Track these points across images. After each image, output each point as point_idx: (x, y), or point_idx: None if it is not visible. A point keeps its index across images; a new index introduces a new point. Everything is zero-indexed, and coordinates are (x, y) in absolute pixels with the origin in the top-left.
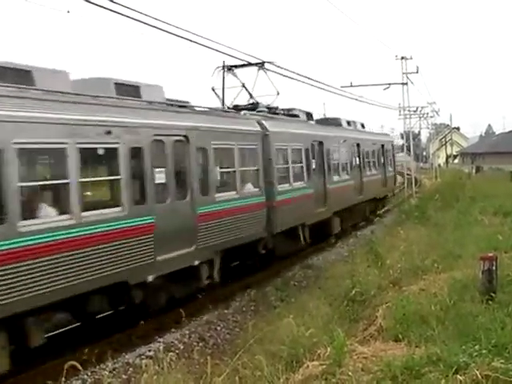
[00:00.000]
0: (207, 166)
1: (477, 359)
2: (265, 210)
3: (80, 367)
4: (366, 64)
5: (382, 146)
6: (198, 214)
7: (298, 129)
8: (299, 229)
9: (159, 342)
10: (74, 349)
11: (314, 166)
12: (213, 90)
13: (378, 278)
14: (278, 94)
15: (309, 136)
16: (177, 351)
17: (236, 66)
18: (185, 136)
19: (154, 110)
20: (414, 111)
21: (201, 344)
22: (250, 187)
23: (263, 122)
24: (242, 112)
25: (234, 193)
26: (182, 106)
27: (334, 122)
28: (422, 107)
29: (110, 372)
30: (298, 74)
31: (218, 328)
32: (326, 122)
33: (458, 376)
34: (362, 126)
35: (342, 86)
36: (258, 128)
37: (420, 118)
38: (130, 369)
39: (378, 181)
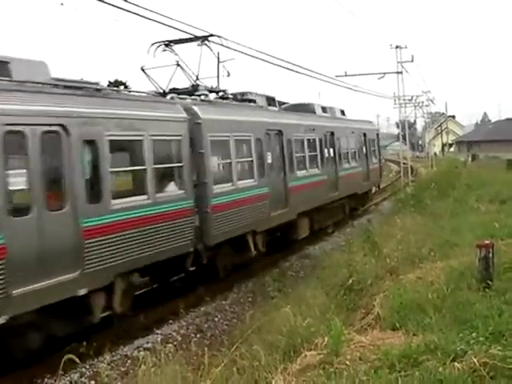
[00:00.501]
0: (98, 164)
1: (474, 347)
2: (194, 217)
3: (78, 360)
4: (361, 53)
5: (364, 134)
6: (82, 227)
7: (248, 116)
8: (248, 237)
9: (157, 333)
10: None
11: (269, 160)
12: (142, 70)
13: (374, 267)
14: (229, 75)
15: (262, 124)
16: (175, 343)
17: (175, 41)
18: (61, 125)
19: (19, 92)
20: (410, 100)
21: (199, 335)
22: (171, 189)
23: (193, 107)
24: (169, 96)
25: (144, 198)
26: (74, 88)
27: (305, 109)
28: (417, 96)
29: (108, 364)
30: (292, 64)
31: (216, 319)
32: (295, 108)
33: (456, 364)
34: (342, 112)
35: (336, 76)
36: (184, 114)
37: (415, 106)
38: (128, 361)
39: (358, 174)
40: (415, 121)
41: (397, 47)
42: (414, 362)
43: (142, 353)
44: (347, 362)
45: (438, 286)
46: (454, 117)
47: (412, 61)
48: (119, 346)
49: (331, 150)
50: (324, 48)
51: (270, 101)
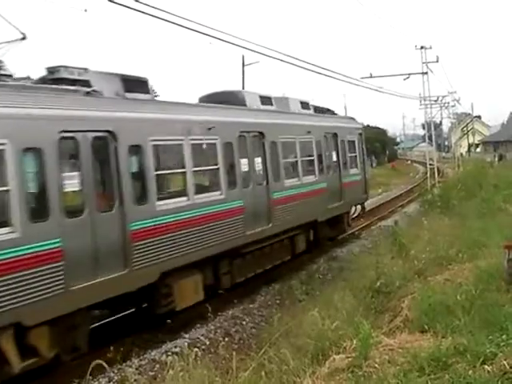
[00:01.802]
0: None
1: (504, 349)
2: None
3: (106, 366)
4: (386, 55)
5: (335, 135)
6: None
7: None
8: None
9: (185, 337)
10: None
11: (79, 187)
12: None
13: (402, 269)
14: (24, 38)
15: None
16: (203, 347)
17: None
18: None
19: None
20: (435, 101)
21: (226, 339)
22: None
23: None
24: None
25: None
26: None
27: (229, 100)
28: (443, 96)
29: (135, 369)
30: (317, 66)
31: (244, 323)
32: (217, 98)
33: (486, 366)
34: (305, 105)
35: (361, 77)
36: None
37: (441, 107)
38: (156, 365)
39: (316, 195)
40: (441, 122)
41: (422, 48)
42: (443, 364)
43: (169, 357)
44: (376, 365)
45: (466, 288)
46: (480, 117)
47: (437, 61)
48: (147, 350)
49: (257, 160)
50: (349, 50)
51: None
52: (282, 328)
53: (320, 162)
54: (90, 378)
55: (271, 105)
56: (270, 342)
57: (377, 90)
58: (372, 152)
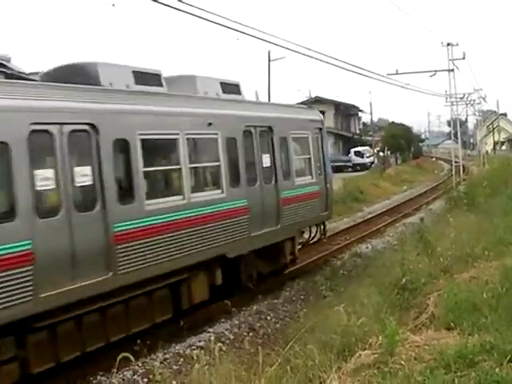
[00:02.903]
0: None
1: None
2: None
3: (132, 358)
4: (412, 51)
5: (269, 129)
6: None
7: None
8: None
9: (209, 332)
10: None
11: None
12: None
13: (428, 266)
14: None
15: None
16: (227, 341)
17: None
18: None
19: None
20: (461, 98)
21: (251, 334)
22: None
23: None
24: None
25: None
26: None
27: (78, 76)
28: (469, 94)
29: (160, 363)
30: (342, 62)
31: (268, 318)
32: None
33: None
34: (232, 87)
35: (388, 74)
36: None
37: (467, 104)
38: (181, 359)
39: (224, 219)
40: (467, 119)
41: (448, 44)
42: (469, 362)
43: (194, 351)
44: (402, 362)
45: (492, 286)
46: (505, 115)
47: (463, 58)
48: (171, 343)
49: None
50: (375, 46)
51: None
52: (308, 323)
53: (233, 169)
54: (116, 370)
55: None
56: (295, 337)
57: (403, 87)
58: (397, 149)
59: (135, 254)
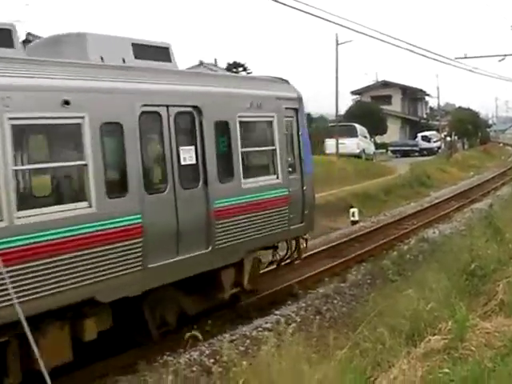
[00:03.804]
0: None
1: None
2: None
3: (201, 337)
4: (481, 35)
5: (196, 110)
6: None
7: None
8: None
9: (276, 314)
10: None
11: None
12: None
13: (497, 253)
14: None
15: None
16: (293, 324)
17: None
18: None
19: None
20: None
21: (317, 317)
22: None
23: None
24: None
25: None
26: None
27: None
28: None
29: (227, 344)
30: (411, 45)
31: (335, 301)
32: None
33: None
34: (157, 52)
35: (456, 58)
36: None
37: None
38: (248, 341)
39: (90, 247)
40: None
41: None
42: None
43: (261, 333)
44: (472, 348)
45: None
46: None
47: None
48: (237, 325)
49: None
50: (444, 29)
51: None
52: (376, 308)
53: (115, 171)
54: (182, 350)
55: (165, 60)
56: (365, 321)
57: (471, 71)
58: (464, 134)
59: (231, 229)
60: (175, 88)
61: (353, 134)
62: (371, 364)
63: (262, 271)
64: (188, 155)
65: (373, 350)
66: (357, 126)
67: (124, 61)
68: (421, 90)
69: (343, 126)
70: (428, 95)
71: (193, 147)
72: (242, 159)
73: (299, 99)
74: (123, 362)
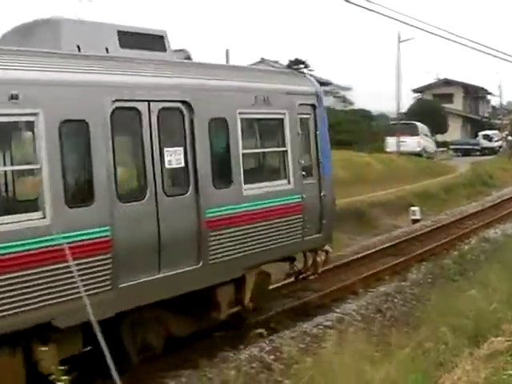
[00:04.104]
0: None
1: None
2: None
3: (265, 334)
4: None
5: (186, 105)
6: None
7: None
8: None
9: (336, 312)
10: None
11: None
12: None
13: None
14: None
15: None
16: (355, 322)
17: None
18: None
19: None
20: None
21: (378, 315)
22: None
23: None
24: None
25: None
26: None
27: None
28: None
29: (287, 340)
30: (473, 42)
31: (395, 300)
32: None
33: None
34: (119, 39)
35: None
36: None
37: None
38: (308, 338)
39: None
40: None
41: None
42: None
43: (321, 330)
44: None
45: None
46: None
47: None
48: (298, 322)
49: None
50: (505, 26)
51: None
52: (438, 307)
53: (78, 177)
54: (243, 346)
55: (159, 50)
56: (427, 320)
57: None
58: None
59: (228, 242)
60: (159, 81)
61: (414, 132)
62: (434, 364)
63: (280, 283)
64: (174, 157)
65: (435, 350)
66: (418, 124)
67: (107, 50)
68: (482, 89)
69: (404, 124)
70: (490, 93)
71: (181, 148)
72: (244, 162)
73: (317, 94)
74: (184, 357)
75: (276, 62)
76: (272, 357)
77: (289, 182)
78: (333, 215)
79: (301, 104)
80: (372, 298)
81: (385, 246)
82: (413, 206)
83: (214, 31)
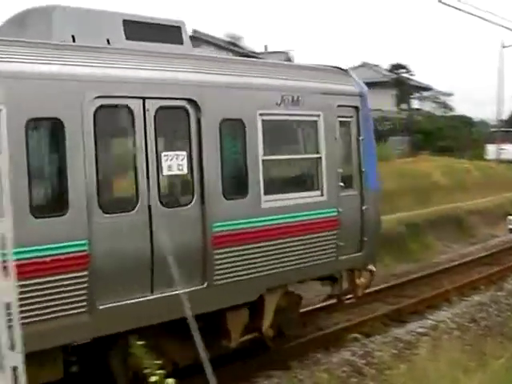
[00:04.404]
0: None
1: None
2: None
3: (360, 338)
4: None
5: (192, 104)
6: None
7: None
8: None
9: (430, 319)
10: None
11: None
12: None
13: None
14: None
15: None
16: (448, 331)
17: None
18: None
19: None
20: None
21: (472, 325)
22: None
23: None
24: None
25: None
26: None
27: None
28: None
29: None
30: None
31: (490, 310)
32: None
33: None
34: (125, 30)
35: None
36: None
37: None
38: (400, 344)
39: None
40: None
41: None
42: None
43: (414, 337)
44: None
45: None
46: None
47: None
48: (390, 328)
49: None
50: None
51: None
52: None
53: (51, 183)
54: (334, 349)
55: (176, 42)
56: None
57: None
58: None
59: (240, 260)
60: (158, 75)
61: None
62: None
63: (318, 306)
64: (175, 163)
65: None
66: None
67: (109, 42)
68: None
69: (505, 131)
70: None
71: (184, 153)
72: (265, 170)
73: (361, 95)
74: (275, 358)
75: (377, 66)
76: (363, 361)
77: (322, 194)
78: (377, 232)
79: (340, 105)
80: (467, 307)
81: (481, 254)
82: (510, 214)
83: (314, 34)
